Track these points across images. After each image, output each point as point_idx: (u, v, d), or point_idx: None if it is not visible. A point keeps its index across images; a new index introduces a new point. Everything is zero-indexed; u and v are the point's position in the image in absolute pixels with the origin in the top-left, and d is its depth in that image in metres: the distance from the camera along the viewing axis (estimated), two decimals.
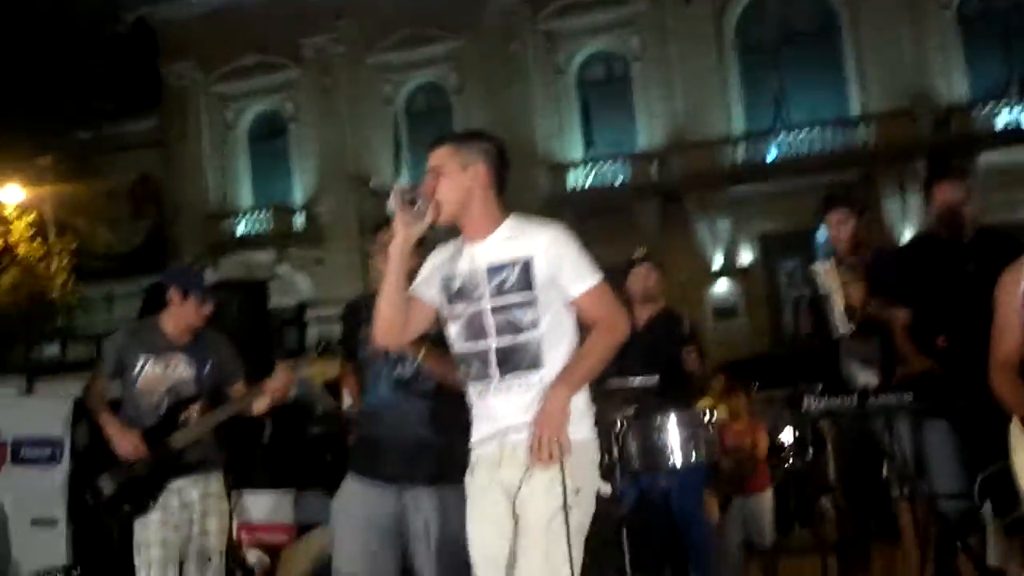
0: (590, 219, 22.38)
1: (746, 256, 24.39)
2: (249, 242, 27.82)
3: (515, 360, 2.95)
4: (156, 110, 29.34)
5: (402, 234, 2.97)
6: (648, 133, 25.49)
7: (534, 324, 2.94)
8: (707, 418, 4.80)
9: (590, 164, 25.57)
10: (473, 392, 3.05)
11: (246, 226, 28.37)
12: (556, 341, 2.97)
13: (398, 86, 27.66)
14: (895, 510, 4.75)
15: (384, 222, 3.67)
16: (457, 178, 3.00)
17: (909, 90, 23.24)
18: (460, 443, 3.38)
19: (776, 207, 22.57)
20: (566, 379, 2.93)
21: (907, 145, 22.36)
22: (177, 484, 4.43)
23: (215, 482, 4.56)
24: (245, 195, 29.11)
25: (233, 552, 4.97)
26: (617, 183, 25.08)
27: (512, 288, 2.95)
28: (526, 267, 2.95)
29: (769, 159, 23.87)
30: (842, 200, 4.94)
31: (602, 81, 26.56)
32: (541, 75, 26.15)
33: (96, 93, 26.41)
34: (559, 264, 2.95)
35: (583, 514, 2.93)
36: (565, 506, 2.83)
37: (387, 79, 27.54)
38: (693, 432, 4.72)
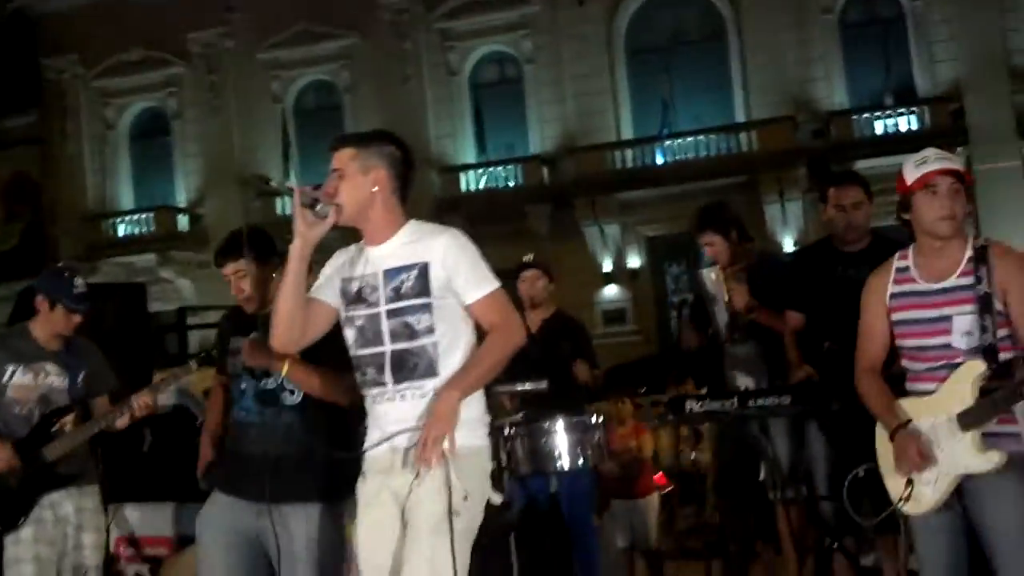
0: (482, 222, 22.39)
1: (634, 260, 24.76)
2: (130, 244, 27.03)
3: (409, 366, 2.94)
4: (35, 106, 28.31)
5: (302, 236, 2.96)
6: (540, 136, 25.67)
7: (430, 330, 2.94)
8: (595, 422, 4.85)
9: (483, 167, 25.60)
10: (367, 398, 3.03)
11: (127, 228, 27.55)
12: (451, 349, 2.96)
13: (288, 83, 27.27)
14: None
15: (225, 248, 3.66)
16: (359, 181, 2.99)
17: (791, 97, 23.90)
18: (329, 457, 3.40)
19: (664, 211, 22.95)
20: (458, 382, 2.92)
21: (788, 151, 22.96)
22: (50, 498, 4.30)
23: (90, 495, 4.44)
24: (126, 195, 28.32)
25: (110, 566, 4.83)
26: (510, 186, 25.17)
27: (408, 293, 2.95)
28: (423, 272, 2.95)
29: (657, 163, 24.26)
30: (708, 222, 4.96)
31: (495, 83, 26.64)
32: (434, 76, 26.09)
33: None
34: (455, 270, 2.95)
35: (470, 520, 2.92)
36: (450, 511, 2.82)
37: (277, 76, 27.13)
38: (581, 437, 4.77)
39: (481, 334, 3.03)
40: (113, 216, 27.61)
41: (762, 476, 4.62)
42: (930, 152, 3.29)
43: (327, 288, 3.09)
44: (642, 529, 7.56)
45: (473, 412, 2.98)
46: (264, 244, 3.71)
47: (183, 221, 27.40)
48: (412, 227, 3.05)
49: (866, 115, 23.55)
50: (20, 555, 4.21)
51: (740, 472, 5.01)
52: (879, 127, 23.41)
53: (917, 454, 3.18)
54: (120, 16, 26.48)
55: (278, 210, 26.01)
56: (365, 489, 3.04)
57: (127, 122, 28.56)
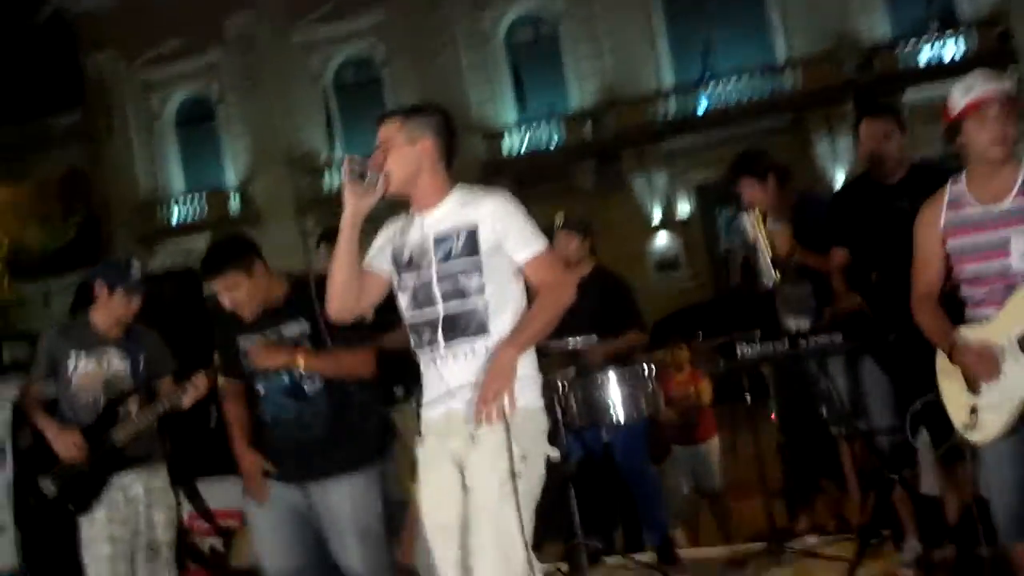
0: (528, 183, 22.38)
1: (684, 208, 24.57)
2: (185, 229, 27.37)
3: (461, 325, 2.99)
4: (80, 103, 28.71)
5: (352, 206, 3.02)
6: (579, 93, 25.49)
7: (480, 290, 2.99)
8: (647, 373, 4.87)
9: (524, 128, 25.51)
10: (421, 360, 3.10)
11: (180, 213, 27.94)
12: (501, 308, 3.01)
13: (325, 61, 27.32)
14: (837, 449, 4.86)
15: (209, 265, 3.68)
16: (405, 151, 3.06)
17: (832, 32, 23.45)
18: (361, 429, 3.65)
19: (710, 158, 22.67)
20: (513, 339, 2.97)
21: (833, 87, 22.60)
22: (121, 480, 4.40)
23: (159, 475, 4.53)
24: (177, 182, 28.64)
25: (184, 542, 4.95)
26: (552, 146, 25.06)
27: (458, 255, 3.01)
28: (472, 235, 3.00)
29: (700, 111, 23.99)
30: (743, 168, 4.93)
31: (530, 43, 26.44)
32: (469, 41, 25.99)
33: (17, 90, 25.81)
34: (504, 231, 3.00)
35: (531, 481, 2.96)
36: (513, 473, 2.87)
37: (313, 54, 27.19)
38: (633, 387, 4.79)
39: (531, 294, 3.08)
40: (165, 203, 28.02)
41: (823, 413, 4.60)
42: (974, 77, 3.22)
43: (379, 257, 3.16)
44: (705, 473, 7.60)
45: (527, 371, 3.02)
46: (246, 252, 3.73)
47: (235, 203, 27.72)
48: (460, 192, 3.11)
49: (910, 45, 23.05)
50: (95, 535, 4.33)
51: (801, 410, 5.00)
52: (924, 56, 22.93)
53: (985, 360, 3.12)
54: (154, 8, 26.66)
55: (326, 186, 26.22)
56: (424, 451, 3.11)
57: (171, 111, 28.84)
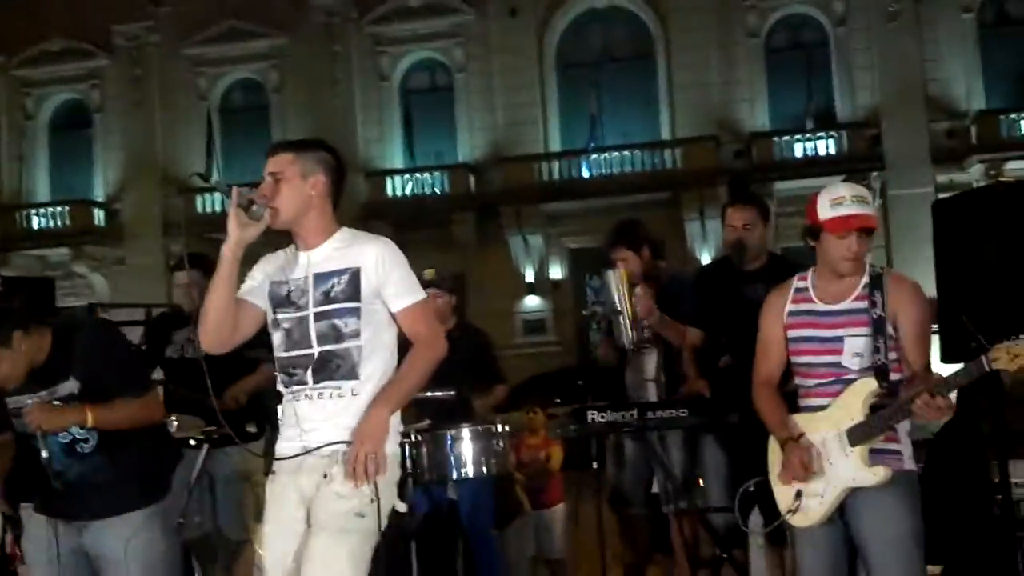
0: (408, 228, 22.38)
1: (556, 271, 24.93)
2: (44, 237, 26.32)
3: (332, 367, 3.00)
4: None
5: (236, 236, 2.98)
6: (468, 145, 25.74)
7: (356, 334, 3.00)
8: (499, 431, 4.89)
9: (410, 173, 25.56)
10: (286, 398, 3.09)
11: (42, 220, 26.74)
12: (373, 353, 3.03)
13: (214, 80, 26.91)
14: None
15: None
16: (297, 186, 3.04)
17: (715, 117, 24.36)
18: (138, 472, 3.61)
19: (588, 224, 23.14)
20: (388, 397, 3.00)
21: (710, 170, 23.40)
22: None
23: None
24: (43, 187, 27.59)
25: (6, 567, 4.71)
26: (437, 193, 25.18)
27: (339, 296, 3.02)
28: (354, 277, 3.02)
29: (583, 176, 24.49)
30: (621, 239, 5.05)
31: (425, 90, 26.64)
32: (364, 80, 26.00)
33: None
34: (386, 278, 3.03)
35: (372, 524, 2.96)
36: (358, 513, 2.91)
37: (203, 72, 26.75)
38: (485, 445, 4.80)
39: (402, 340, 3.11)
40: (28, 208, 26.85)
41: (655, 488, 4.70)
42: (845, 191, 3.37)
43: (257, 291, 3.12)
44: (548, 539, 7.64)
45: (391, 421, 3.04)
46: (5, 324, 3.49)
47: (100, 215, 26.78)
48: (344, 233, 3.12)
49: (787, 137, 24.12)
50: None
51: (633, 483, 5.10)
52: (799, 150, 23.99)
53: (802, 464, 3.30)
54: (42, 5, 25.90)
55: (198, 208, 25.67)
56: (272, 487, 3.09)
57: (47, 113, 27.87)
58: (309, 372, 3.01)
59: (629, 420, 4.27)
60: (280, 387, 3.11)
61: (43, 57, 26.95)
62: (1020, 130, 23.32)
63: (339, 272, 3.03)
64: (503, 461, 4.92)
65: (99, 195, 27.16)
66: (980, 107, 23.78)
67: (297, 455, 3.02)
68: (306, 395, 3.03)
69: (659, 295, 4.96)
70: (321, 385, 3.01)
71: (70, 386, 3.54)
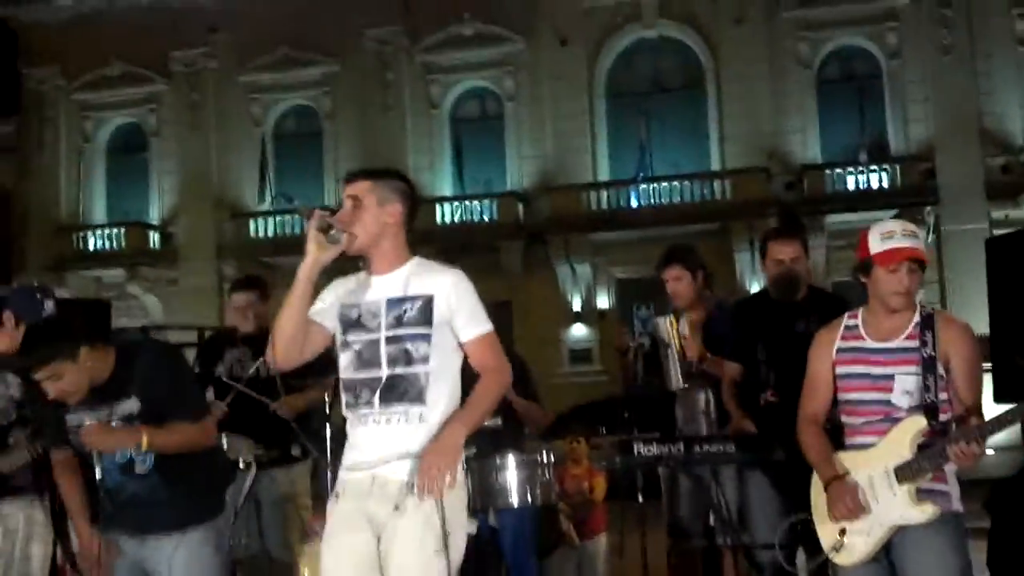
0: (456, 255, 22.43)
1: (603, 300, 24.89)
2: (100, 258, 26.85)
3: (400, 390, 3.05)
4: (14, 115, 28.19)
5: (313, 258, 3.07)
6: (518, 173, 25.86)
7: (425, 359, 3.06)
8: (544, 460, 4.90)
9: (459, 200, 25.70)
10: (351, 420, 3.13)
11: (98, 241, 27.32)
12: (440, 380, 3.09)
13: (268, 107, 27.35)
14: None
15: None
16: (375, 212, 3.13)
17: (766, 148, 24.24)
18: (194, 492, 3.67)
19: (636, 254, 23.10)
20: (464, 418, 3.05)
21: (761, 201, 23.27)
22: (1, 508, 4.28)
23: (40, 507, 4.41)
24: (99, 209, 28.18)
25: None
26: (485, 220, 25.30)
27: (410, 321, 3.08)
28: (427, 304, 3.09)
29: (632, 206, 24.48)
30: (678, 258, 5.12)
31: (475, 118, 26.84)
32: (415, 107, 26.26)
33: None
34: (458, 307, 3.09)
35: (455, 557, 3.03)
36: (439, 549, 2.95)
37: (257, 99, 27.20)
38: (530, 474, 4.82)
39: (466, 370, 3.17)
40: (85, 229, 27.44)
41: (711, 521, 4.68)
42: (896, 226, 3.39)
43: (328, 313, 3.18)
44: (590, 569, 7.57)
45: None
46: (72, 338, 3.57)
47: (155, 238, 27.27)
48: (417, 262, 3.21)
49: (839, 170, 23.91)
50: None
51: (691, 516, 5.08)
52: (851, 182, 23.77)
53: (850, 502, 3.28)
54: (103, 31, 26.50)
55: (251, 232, 26.03)
56: (338, 509, 3.11)
57: (105, 136, 28.48)
58: (377, 395, 3.06)
59: (675, 454, 4.26)
60: (345, 411, 3.15)
61: (102, 81, 27.56)
62: None
63: (412, 298, 3.09)
64: (547, 490, 4.93)
65: (154, 218, 27.65)
66: None
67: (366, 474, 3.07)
68: (373, 419, 3.07)
69: (705, 324, 4.98)
70: (389, 409, 3.05)
71: (130, 406, 3.61)
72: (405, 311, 3.09)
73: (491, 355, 3.14)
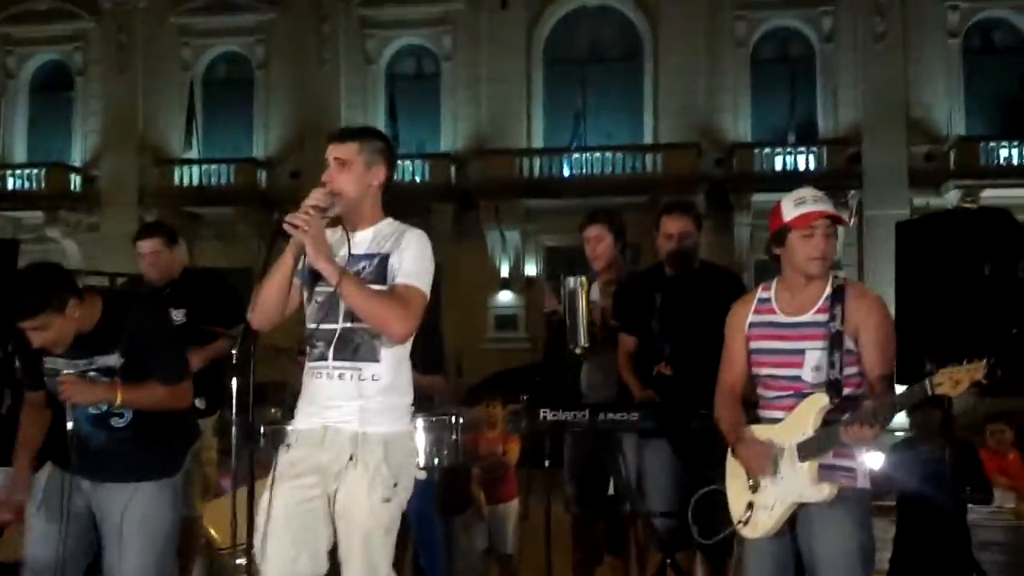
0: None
1: (531, 268, 24.94)
2: (19, 198, 26.02)
3: (352, 346, 3.09)
4: None
5: (316, 230, 3.04)
6: (452, 135, 25.70)
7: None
8: (453, 422, 4.90)
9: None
10: (307, 372, 3.20)
11: (17, 181, 26.44)
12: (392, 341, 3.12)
13: (199, 52, 26.75)
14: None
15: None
16: (360, 174, 3.19)
17: (699, 124, 24.44)
18: (163, 448, 3.69)
19: (566, 222, 23.02)
20: (352, 278, 3.04)
21: (691, 176, 23.43)
22: None
23: None
24: (20, 148, 27.36)
25: None
26: (416, 181, 25.08)
27: (367, 278, 3.11)
28: (383, 261, 3.14)
29: (564, 175, 24.50)
30: (601, 218, 5.16)
31: (411, 76, 26.57)
32: (350, 62, 25.91)
33: None
34: (403, 255, 3.13)
35: (400, 505, 3.14)
36: (386, 499, 3.07)
37: (188, 43, 26.58)
38: (438, 436, 4.81)
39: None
40: (4, 168, 26.59)
41: (611, 489, 4.72)
42: (807, 192, 3.41)
43: (303, 271, 3.20)
44: (501, 534, 7.63)
45: (401, 400, 3.18)
46: (60, 290, 3.51)
47: (76, 181, 26.55)
48: (388, 222, 3.26)
49: (768, 149, 24.20)
50: None
51: (593, 483, 5.12)
52: (779, 163, 24.11)
53: (761, 456, 3.33)
54: None
55: (176, 180, 25.53)
56: (287, 458, 3.15)
57: (28, 73, 27.63)
58: (332, 348, 3.10)
59: (579, 420, 4.29)
60: (307, 360, 3.19)
61: (28, 15, 26.69)
62: (999, 158, 23.51)
63: (372, 256, 3.15)
64: (453, 452, 4.93)
65: (76, 160, 26.94)
66: (960, 132, 23.97)
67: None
68: (327, 373, 3.12)
69: (615, 292, 5.02)
70: (341, 364, 3.10)
71: (112, 359, 3.57)
72: (364, 267, 3.13)
73: (403, 302, 3.09)
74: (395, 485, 3.07)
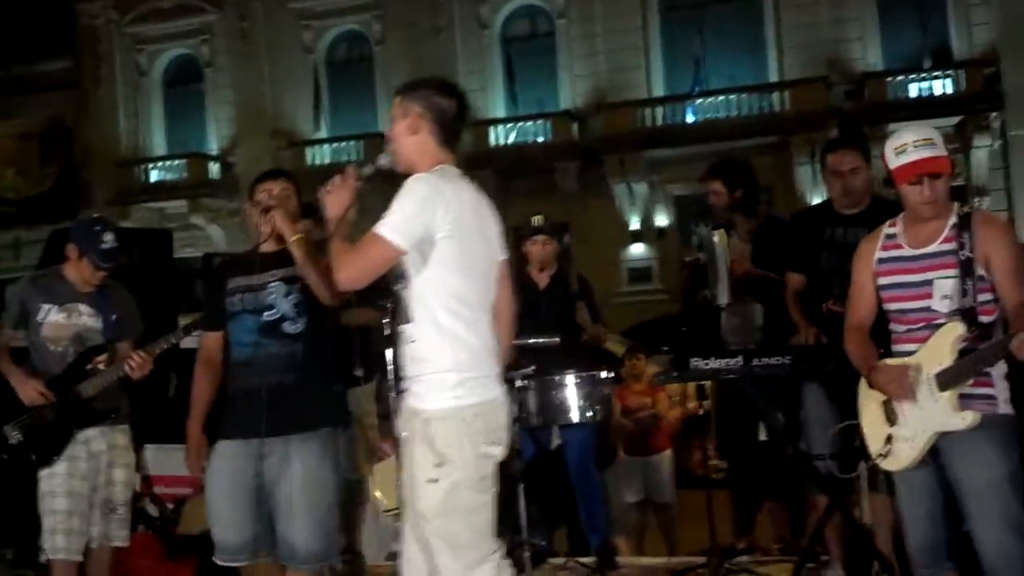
0: (511, 177, 22.46)
1: (662, 218, 24.73)
2: (161, 190, 27.25)
3: (401, 309, 3.05)
4: (69, 51, 28.47)
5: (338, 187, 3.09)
6: (570, 92, 25.54)
7: (407, 277, 3.01)
8: (604, 377, 4.99)
9: (512, 122, 25.53)
10: None
11: (159, 174, 27.76)
12: (421, 297, 2.98)
13: (319, 33, 27.25)
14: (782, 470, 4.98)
15: (265, 175, 3.84)
16: (399, 126, 3.12)
17: (825, 58, 23.65)
18: (328, 388, 3.70)
19: (693, 170, 22.59)
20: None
21: (821, 112, 22.75)
22: (85, 434, 4.43)
23: (122, 433, 4.57)
24: (159, 142, 28.49)
25: (135, 504, 4.99)
26: (539, 141, 25.12)
27: None
28: None
29: (687, 122, 24.14)
30: (717, 172, 5.13)
31: (526, 37, 26.49)
32: (465, 28, 25.97)
33: (6, 32, 25.55)
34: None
35: (456, 484, 2.90)
36: (431, 479, 2.90)
37: (308, 26, 27.10)
38: (590, 391, 4.90)
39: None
40: (145, 162, 27.82)
41: (762, 435, 4.72)
42: (908, 137, 3.33)
43: None
44: (656, 484, 7.72)
45: (448, 378, 2.95)
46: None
47: (214, 168, 27.54)
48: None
49: (900, 77, 23.30)
50: (54, 488, 4.35)
51: (742, 430, 5.14)
52: (913, 90, 23.19)
53: (901, 380, 3.29)
54: None
55: (308, 160, 26.19)
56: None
57: (160, 68, 28.67)
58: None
59: (732, 367, 4.28)
60: None
61: (154, 13, 27.66)
62: None
63: None
64: (606, 407, 5.02)
65: (213, 148, 27.88)
66: None
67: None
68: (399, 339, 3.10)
69: (755, 236, 4.98)
70: (398, 328, 3.08)
71: (292, 271, 3.68)
72: None
73: (363, 243, 2.96)
74: (440, 465, 2.89)
